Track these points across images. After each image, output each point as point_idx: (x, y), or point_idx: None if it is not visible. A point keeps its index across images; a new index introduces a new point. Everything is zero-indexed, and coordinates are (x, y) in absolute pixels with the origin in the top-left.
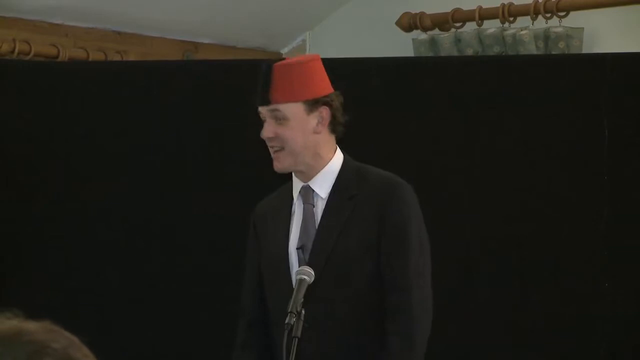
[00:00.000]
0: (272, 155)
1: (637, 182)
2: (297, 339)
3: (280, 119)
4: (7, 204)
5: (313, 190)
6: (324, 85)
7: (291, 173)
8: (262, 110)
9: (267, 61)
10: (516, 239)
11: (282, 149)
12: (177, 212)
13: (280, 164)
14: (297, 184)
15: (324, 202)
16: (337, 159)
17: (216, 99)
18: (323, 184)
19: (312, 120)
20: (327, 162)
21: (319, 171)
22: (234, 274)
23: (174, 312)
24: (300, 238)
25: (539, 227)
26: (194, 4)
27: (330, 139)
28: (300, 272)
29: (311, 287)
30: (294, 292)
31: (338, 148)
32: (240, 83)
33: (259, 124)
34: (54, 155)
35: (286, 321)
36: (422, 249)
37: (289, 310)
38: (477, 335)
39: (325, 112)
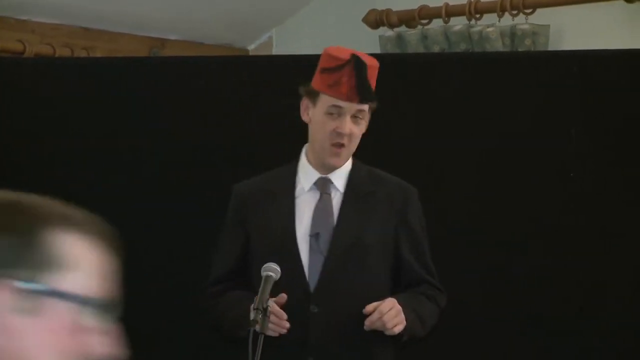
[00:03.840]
0: (332, 150)
1: (603, 180)
2: (262, 335)
3: (359, 118)
4: None
5: (332, 183)
6: None
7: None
8: (346, 105)
9: (357, 59)
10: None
11: (344, 146)
12: (146, 210)
13: (340, 162)
14: (311, 175)
15: (341, 195)
16: (350, 159)
17: (182, 96)
18: (340, 179)
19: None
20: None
21: (337, 168)
22: None
23: (174, 310)
24: (314, 226)
25: (506, 227)
26: (161, 1)
27: None
28: (267, 269)
29: (329, 275)
30: (260, 289)
31: None
32: (206, 80)
33: (223, 123)
34: (17, 152)
35: (251, 318)
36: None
37: (254, 307)
38: (471, 334)
39: (369, 116)
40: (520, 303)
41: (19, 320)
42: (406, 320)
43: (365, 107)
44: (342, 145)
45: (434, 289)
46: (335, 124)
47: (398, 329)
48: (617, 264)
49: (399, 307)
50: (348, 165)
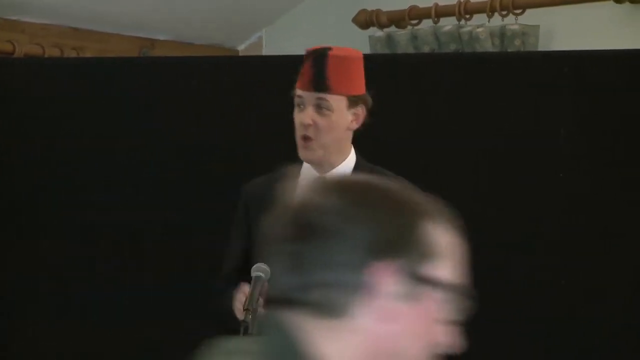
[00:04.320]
0: (301, 143)
1: (596, 180)
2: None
3: (323, 109)
4: None
5: None
6: (363, 84)
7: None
8: (305, 95)
9: (318, 50)
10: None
11: (312, 139)
12: (132, 211)
13: (310, 155)
14: (310, 175)
15: None
16: (352, 157)
17: (174, 96)
18: None
19: (349, 116)
20: (345, 159)
21: (335, 167)
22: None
23: (175, 310)
24: None
25: (506, 227)
26: (151, 1)
27: (351, 137)
28: (257, 269)
29: None
30: (250, 289)
31: (352, 146)
32: (198, 80)
33: (215, 123)
34: (6, 152)
35: (242, 318)
36: None
37: (244, 308)
38: (471, 334)
39: (361, 111)
40: (520, 303)
41: (400, 306)
42: None
43: (327, 96)
44: (309, 138)
45: None
46: (300, 116)
47: None
48: (617, 264)
49: None
50: (350, 163)
